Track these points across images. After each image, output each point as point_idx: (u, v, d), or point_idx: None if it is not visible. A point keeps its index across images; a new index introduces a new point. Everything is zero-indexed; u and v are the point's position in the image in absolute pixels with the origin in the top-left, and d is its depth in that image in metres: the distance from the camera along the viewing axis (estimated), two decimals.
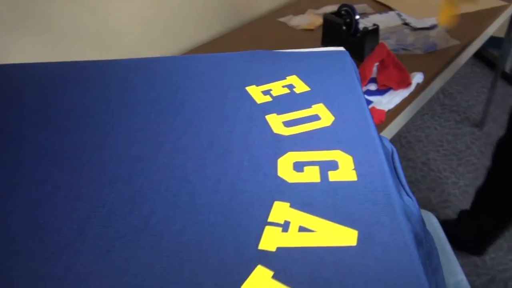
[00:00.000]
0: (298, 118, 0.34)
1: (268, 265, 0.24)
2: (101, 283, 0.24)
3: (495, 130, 1.81)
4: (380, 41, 1.11)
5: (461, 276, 0.46)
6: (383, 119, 0.88)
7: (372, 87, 0.99)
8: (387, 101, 0.94)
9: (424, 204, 1.53)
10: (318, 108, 0.34)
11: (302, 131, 0.32)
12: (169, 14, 1.24)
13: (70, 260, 0.25)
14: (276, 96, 0.37)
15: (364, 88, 0.99)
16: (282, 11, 1.50)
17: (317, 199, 0.27)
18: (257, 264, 0.24)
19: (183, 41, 1.31)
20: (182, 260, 0.25)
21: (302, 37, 1.29)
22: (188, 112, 0.36)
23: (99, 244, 0.26)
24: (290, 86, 0.38)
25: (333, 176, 0.28)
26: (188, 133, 0.33)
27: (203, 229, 0.26)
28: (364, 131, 0.31)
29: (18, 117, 0.37)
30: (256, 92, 0.37)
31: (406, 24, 1.29)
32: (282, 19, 1.43)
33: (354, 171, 0.28)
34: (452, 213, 1.46)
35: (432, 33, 1.21)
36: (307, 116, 0.34)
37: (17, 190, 0.30)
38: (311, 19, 1.40)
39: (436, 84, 1.08)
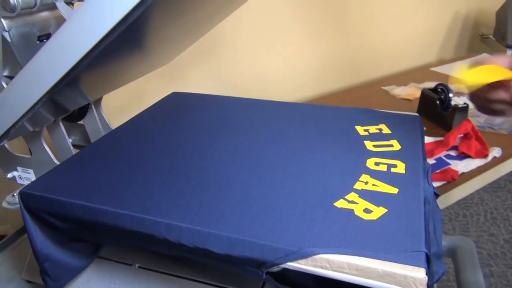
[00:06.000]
0: (381, 144, 0.67)
1: None
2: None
3: None
4: (468, 117, 1.37)
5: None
6: (456, 178, 1.14)
7: (453, 152, 1.26)
8: (463, 166, 1.20)
9: (499, 278, 1.66)
10: (393, 142, 0.67)
11: (382, 150, 0.65)
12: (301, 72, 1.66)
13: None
14: (371, 133, 0.71)
15: (446, 153, 1.26)
16: (388, 80, 1.83)
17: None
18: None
19: (304, 93, 1.71)
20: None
21: (400, 105, 1.60)
22: (325, 135, 0.71)
23: None
24: (380, 129, 0.71)
25: (394, 170, 0.60)
26: (327, 143, 0.69)
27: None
28: (416, 152, 0.63)
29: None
30: (360, 129, 0.72)
31: None
32: (385, 88, 1.76)
33: (404, 169, 0.60)
34: None
35: None
36: (386, 144, 0.67)
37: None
38: (411, 91, 1.70)
39: None
